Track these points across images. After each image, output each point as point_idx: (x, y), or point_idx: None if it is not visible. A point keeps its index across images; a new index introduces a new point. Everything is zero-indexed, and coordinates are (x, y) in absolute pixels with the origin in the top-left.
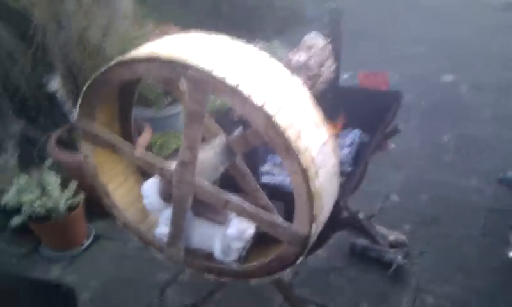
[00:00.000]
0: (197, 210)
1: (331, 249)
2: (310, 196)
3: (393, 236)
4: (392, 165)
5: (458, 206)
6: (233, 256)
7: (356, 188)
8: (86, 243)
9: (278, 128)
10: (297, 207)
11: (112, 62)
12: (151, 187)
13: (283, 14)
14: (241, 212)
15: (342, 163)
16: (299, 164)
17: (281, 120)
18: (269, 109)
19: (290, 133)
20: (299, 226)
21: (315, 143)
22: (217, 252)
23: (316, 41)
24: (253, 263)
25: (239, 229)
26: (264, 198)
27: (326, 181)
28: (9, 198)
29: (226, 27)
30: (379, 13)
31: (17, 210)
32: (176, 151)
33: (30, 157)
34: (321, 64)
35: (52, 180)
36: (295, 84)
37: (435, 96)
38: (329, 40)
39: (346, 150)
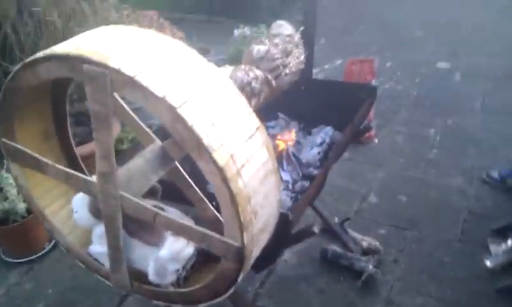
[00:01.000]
0: (131, 229)
1: (301, 254)
2: (233, 200)
3: (366, 242)
4: (373, 161)
5: (437, 208)
6: (170, 278)
7: (314, 197)
8: (48, 247)
9: (185, 122)
10: (224, 214)
11: (17, 67)
12: (81, 201)
13: None
14: (170, 227)
15: (308, 164)
16: (214, 161)
17: (188, 112)
18: (173, 100)
19: (201, 127)
20: (229, 236)
21: (236, 137)
22: (151, 275)
23: (282, 29)
24: (196, 286)
25: (173, 249)
26: (210, 210)
27: (255, 181)
28: None
29: (222, 8)
30: None
31: None
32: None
33: None
34: (286, 54)
35: (9, 181)
36: (215, 74)
37: (427, 85)
38: (300, 29)
39: (315, 150)
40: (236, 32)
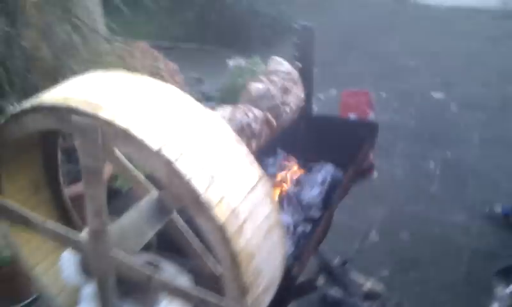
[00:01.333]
0: (124, 290)
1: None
2: (234, 260)
3: (368, 285)
4: (373, 196)
5: (440, 246)
6: None
7: (319, 244)
8: (35, 294)
9: (182, 176)
10: (224, 275)
11: (1, 121)
12: (69, 259)
13: (271, 25)
14: (166, 288)
15: (310, 206)
16: (214, 219)
17: (185, 165)
18: (169, 153)
19: (199, 181)
20: (230, 299)
21: (238, 189)
22: None
23: (279, 66)
24: None
25: None
26: (211, 264)
27: (258, 237)
28: None
29: (213, 38)
30: (373, 23)
31: None
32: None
33: None
34: (286, 92)
35: None
36: (212, 121)
37: (424, 115)
38: (298, 65)
39: (316, 190)
40: (231, 63)
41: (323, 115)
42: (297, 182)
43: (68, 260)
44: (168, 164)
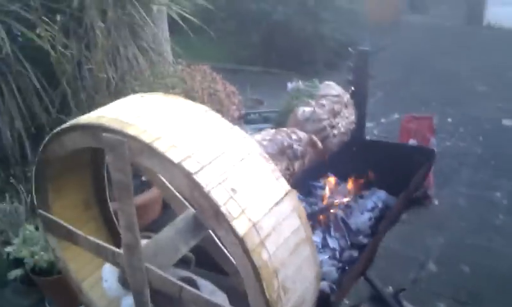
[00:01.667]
0: (159, 304)
1: None
2: (257, 274)
3: None
4: (432, 225)
5: (504, 282)
6: None
7: (363, 272)
8: None
9: (201, 188)
10: (248, 291)
11: (45, 139)
12: (110, 271)
13: (337, 49)
14: (197, 302)
15: (358, 232)
16: (234, 231)
17: (205, 178)
18: (189, 166)
19: (218, 193)
20: None
21: (261, 203)
22: None
23: (330, 90)
24: None
25: None
26: None
27: (283, 252)
28: (13, 249)
29: (278, 61)
30: (443, 45)
31: (21, 261)
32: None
33: None
34: (334, 115)
35: None
36: (238, 139)
37: (492, 143)
38: (351, 89)
39: (366, 216)
40: (289, 85)
41: (376, 140)
42: (347, 207)
43: (109, 272)
44: (188, 175)
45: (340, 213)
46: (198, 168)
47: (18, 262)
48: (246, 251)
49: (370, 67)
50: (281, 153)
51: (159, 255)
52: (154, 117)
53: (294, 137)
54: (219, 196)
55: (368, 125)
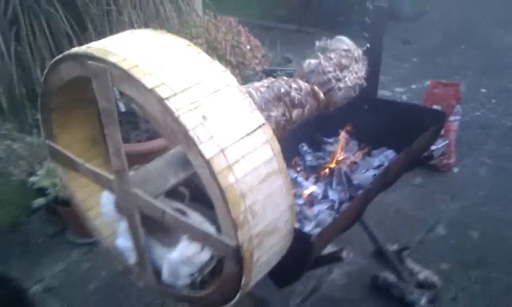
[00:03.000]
0: (149, 228)
1: (351, 276)
2: (223, 195)
3: (423, 274)
4: (448, 191)
5: (510, 251)
6: (184, 281)
7: (346, 226)
8: None
9: (172, 113)
10: (217, 212)
11: (46, 69)
12: (108, 197)
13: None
14: (177, 225)
15: (359, 187)
16: (201, 154)
17: (177, 104)
18: (162, 92)
19: (188, 119)
20: (226, 235)
21: (231, 132)
22: (165, 275)
23: (340, 44)
24: (208, 290)
25: (184, 253)
26: None
27: (252, 178)
28: (37, 180)
29: (315, 21)
30: (490, 15)
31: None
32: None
33: None
34: (341, 68)
35: None
36: (215, 71)
37: None
38: (366, 45)
39: (370, 173)
40: (317, 43)
41: (387, 99)
42: (353, 164)
43: (107, 198)
44: (160, 101)
45: (345, 167)
46: (171, 94)
47: (42, 192)
48: (212, 174)
49: (408, 32)
50: (277, 99)
51: (147, 182)
52: (136, 48)
53: (293, 85)
54: (189, 121)
55: (398, 89)
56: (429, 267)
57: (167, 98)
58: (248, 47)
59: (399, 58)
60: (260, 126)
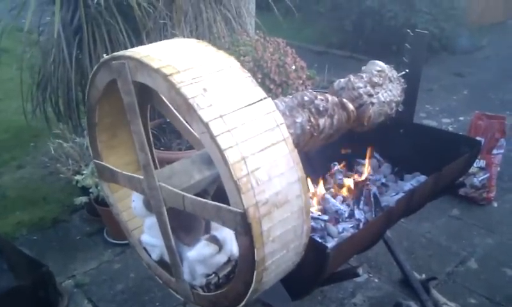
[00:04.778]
0: (172, 225)
1: (374, 301)
2: (223, 156)
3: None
4: (484, 226)
5: None
6: (199, 281)
7: (365, 246)
8: None
9: (175, 86)
10: (223, 180)
11: (88, 84)
12: (137, 196)
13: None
14: (196, 208)
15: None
16: (201, 119)
17: (178, 79)
18: (166, 70)
19: (189, 89)
20: (233, 204)
21: (231, 102)
22: (185, 274)
23: (373, 66)
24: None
25: (201, 253)
26: None
27: (253, 145)
28: (81, 178)
29: (366, 48)
30: None
31: (87, 190)
32: None
33: None
34: (372, 85)
35: None
36: (220, 56)
37: None
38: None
39: (400, 196)
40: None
41: (423, 124)
42: (384, 186)
43: (137, 196)
44: (165, 77)
45: (374, 189)
46: (174, 72)
47: (85, 191)
48: (212, 137)
49: (462, 65)
50: (301, 106)
51: (173, 178)
52: (157, 46)
53: (319, 97)
54: (190, 92)
55: (445, 120)
56: (455, 300)
57: (170, 74)
58: (293, 67)
59: (449, 90)
60: (261, 100)
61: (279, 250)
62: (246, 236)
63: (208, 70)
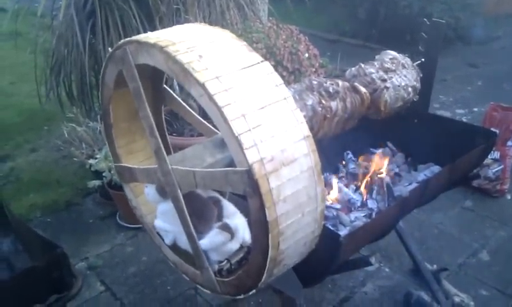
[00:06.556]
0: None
1: (384, 290)
2: (222, 114)
3: (459, 298)
4: (498, 218)
5: None
6: (212, 267)
7: (378, 234)
8: None
9: (171, 56)
10: (225, 139)
11: (100, 84)
12: (151, 186)
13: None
14: (206, 183)
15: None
16: (197, 81)
17: (174, 49)
18: (162, 43)
19: (185, 56)
20: (238, 164)
21: (227, 66)
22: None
23: (385, 55)
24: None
25: (213, 241)
26: None
27: (251, 102)
28: (95, 162)
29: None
30: None
31: (101, 174)
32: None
33: None
34: (384, 70)
35: None
36: (215, 30)
37: None
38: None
39: (413, 186)
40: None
41: (438, 115)
42: (398, 176)
43: (151, 187)
44: (161, 49)
45: (387, 178)
46: (169, 44)
47: (98, 175)
48: (210, 97)
49: (477, 55)
50: (309, 89)
51: (185, 161)
52: (157, 31)
53: (329, 82)
54: (185, 58)
55: (459, 111)
56: (466, 292)
57: (166, 46)
58: (306, 55)
59: (463, 81)
60: (258, 63)
61: (293, 212)
62: (255, 196)
63: (203, 41)
